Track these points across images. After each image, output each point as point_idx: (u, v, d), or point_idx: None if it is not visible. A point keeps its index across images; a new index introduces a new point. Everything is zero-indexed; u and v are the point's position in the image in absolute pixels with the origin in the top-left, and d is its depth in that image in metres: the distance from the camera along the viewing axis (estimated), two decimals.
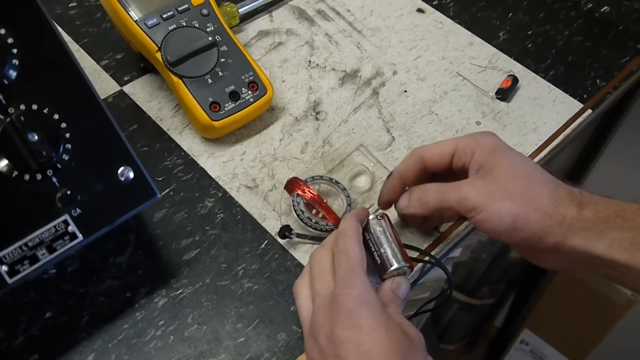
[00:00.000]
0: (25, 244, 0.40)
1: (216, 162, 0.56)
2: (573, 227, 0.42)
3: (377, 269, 0.46)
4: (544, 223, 0.42)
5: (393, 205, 0.50)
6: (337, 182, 0.53)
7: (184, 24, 0.56)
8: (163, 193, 0.53)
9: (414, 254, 0.49)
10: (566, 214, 0.42)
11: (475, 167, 0.45)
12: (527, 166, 0.45)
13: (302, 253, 0.51)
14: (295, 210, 0.50)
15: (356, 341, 0.38)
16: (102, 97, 0.58)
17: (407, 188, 0.49)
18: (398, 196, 0.49)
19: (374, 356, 0.37)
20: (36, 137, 0.39)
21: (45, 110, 0.41)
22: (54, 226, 0.41)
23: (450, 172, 0.48)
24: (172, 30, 0.55)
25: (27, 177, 0.40)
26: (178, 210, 0.52)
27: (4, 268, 0.39)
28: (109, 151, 0.43)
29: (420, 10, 0.71)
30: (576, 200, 0.43)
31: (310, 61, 0.65)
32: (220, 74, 0.56)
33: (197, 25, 0.56)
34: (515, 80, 0.64)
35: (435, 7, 0.72)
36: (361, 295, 0.39)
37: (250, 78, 0.56)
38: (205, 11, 0.57)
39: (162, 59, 0.54)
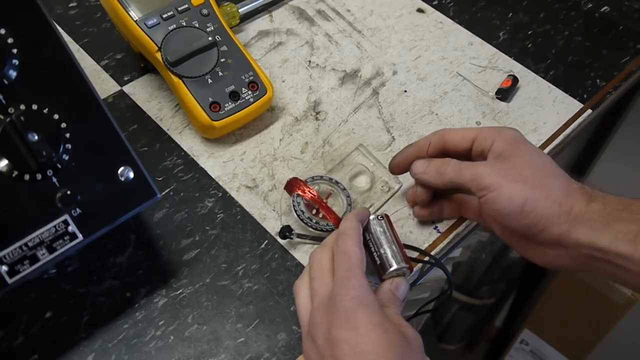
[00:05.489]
0: (25, 244, 0.40)
1: (216, 162, 0.56)
2: (579, 218, 0.42)
3: (376, 269, 0.46)
4: (552, 211, 0.43)
5: (401, 173, 0.52)
6: (337, 182, 0.53)
7: (184, 24, 0.56)
8: (163, 193, 0.53)
9: (414, 254, 0.49)
10: (574, 205, 0.43)
11: (494, 154, 0.47)
12: (544, 159, 0.46)
13: (302, 253, 0.51)
14: (296, 211, 0.50)
15: (353, 342, 0.38)
16: (102, 97, 0.58)
17: None
18: (409, 166, 0.50)
19: (370, 357, 0.37)
20: (36, 137, 0.39)
21: (45, 110, 0.41)
22: (54, 226, 0.41)
23: (467, 158, 0.49)
24: (172, 30, 0.55)
25: (27, 177, 0.40)
26: (178, 210, 0.52)
27: (4, 268, 0.39)
28: (109, 151, 0.43)
29: (420, 10, 0.71)
30: (586, 194, 0.44)
31: (310, 61, 0.65)
32: (220, 74, 0.56)
33: (197, 25, 0.56)
34: (515, 80, 0.64)
35: (435, 7, 0.72)
36: (359, 296, 0.39)
37: (250, 78, 0.56)
38: (205, 11, 0.57)
39: (162, 59, 0.54)
